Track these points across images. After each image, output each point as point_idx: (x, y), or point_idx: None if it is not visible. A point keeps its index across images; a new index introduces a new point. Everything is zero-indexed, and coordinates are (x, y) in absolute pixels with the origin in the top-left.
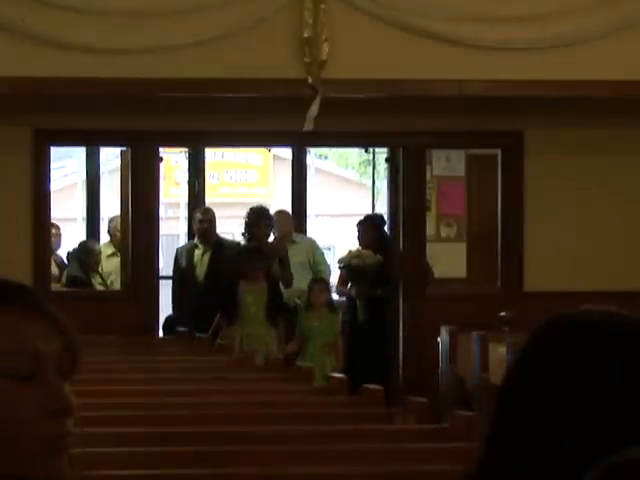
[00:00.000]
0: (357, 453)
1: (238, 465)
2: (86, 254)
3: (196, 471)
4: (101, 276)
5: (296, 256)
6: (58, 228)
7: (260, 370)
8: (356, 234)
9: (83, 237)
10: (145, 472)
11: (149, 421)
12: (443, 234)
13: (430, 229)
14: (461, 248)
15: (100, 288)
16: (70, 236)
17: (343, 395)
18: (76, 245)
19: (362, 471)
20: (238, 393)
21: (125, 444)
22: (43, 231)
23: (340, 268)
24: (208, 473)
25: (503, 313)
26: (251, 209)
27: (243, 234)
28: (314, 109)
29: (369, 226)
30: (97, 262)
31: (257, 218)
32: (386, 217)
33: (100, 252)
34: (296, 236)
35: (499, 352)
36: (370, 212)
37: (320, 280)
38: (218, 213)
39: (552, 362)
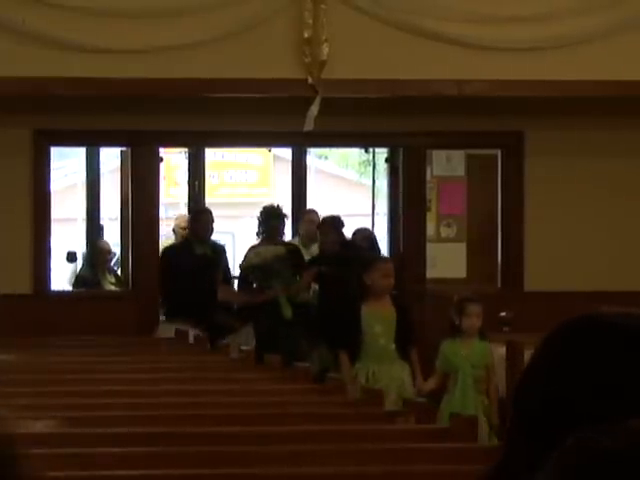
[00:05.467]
0: (357, 453)
1: (238, 465)
2: (95, 254)
3: (196, 471)
4: (116, 275)
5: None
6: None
7: (260, 370)
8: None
9: (83, 237)
10: (145, 472)
11: (149, 421)
12: (443, 234)
13: (430, 229)
14: (461, 248)
15: (112, 288)
16: (70, 236)
17: (343, 395)
18: (74, 245)
19: (362, 471)
20: (238, 393)
21: (125, 444)
22: (43, 231)
23: (246, 273)
24: (208, 473)
25: (503, 313)
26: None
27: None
28: (314, 109)
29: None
30: (106, 262)
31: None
32: (386, 217)
33: (110, 252)
34: None
35: (499, 352)
36: (370, 212)
37: (476, 299)
38: (218, 213)
39: (575, 366)
